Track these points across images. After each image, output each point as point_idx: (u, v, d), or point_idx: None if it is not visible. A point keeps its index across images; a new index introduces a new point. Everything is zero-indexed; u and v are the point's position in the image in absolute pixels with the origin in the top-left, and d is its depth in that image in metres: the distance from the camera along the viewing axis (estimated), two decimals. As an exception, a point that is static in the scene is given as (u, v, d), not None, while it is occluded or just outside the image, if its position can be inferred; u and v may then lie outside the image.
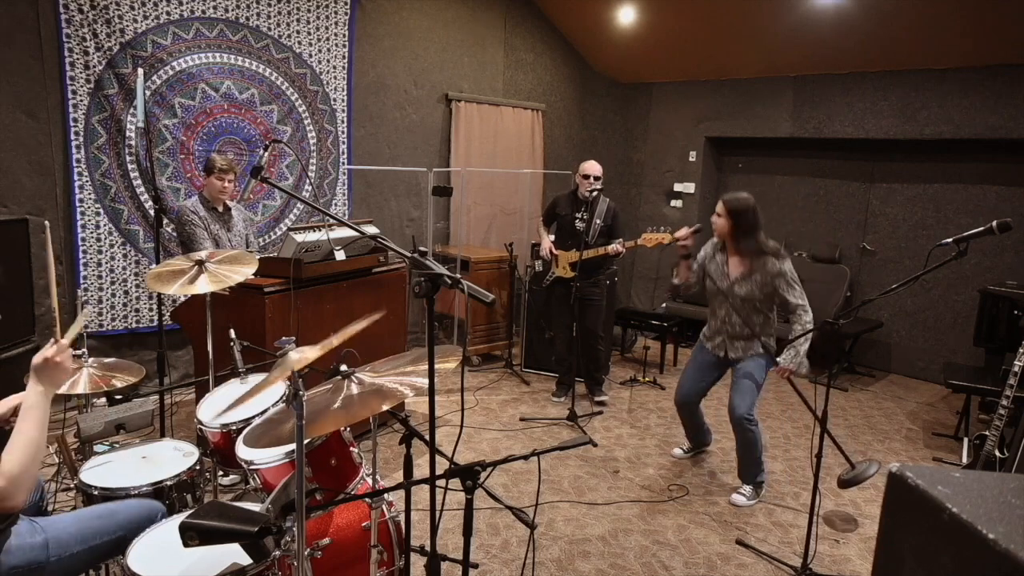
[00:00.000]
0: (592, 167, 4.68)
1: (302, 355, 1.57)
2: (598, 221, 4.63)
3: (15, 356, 3.55)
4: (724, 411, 4.03)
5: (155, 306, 4.42)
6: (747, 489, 3.71)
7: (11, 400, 1.94)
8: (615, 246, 4.49)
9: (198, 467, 2.41)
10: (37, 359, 1.74)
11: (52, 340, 1.80)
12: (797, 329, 3.41)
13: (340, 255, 3.71)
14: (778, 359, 3.41)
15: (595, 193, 4.60)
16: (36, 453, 1.68)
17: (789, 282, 3.42)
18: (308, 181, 5.29)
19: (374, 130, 5.66)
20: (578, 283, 4.50)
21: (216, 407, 2.69)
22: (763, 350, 3.50)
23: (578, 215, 4.71)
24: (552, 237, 4.90)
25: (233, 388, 2.81)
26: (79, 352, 2.62)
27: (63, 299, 4.26)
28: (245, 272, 2.80)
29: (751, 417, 3.55)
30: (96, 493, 2.18)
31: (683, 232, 3.60)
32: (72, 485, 2.31)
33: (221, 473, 3.17)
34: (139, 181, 4.42)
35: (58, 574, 1.88)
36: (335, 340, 1.65)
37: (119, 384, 2.61)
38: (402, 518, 2.27)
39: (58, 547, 1.87)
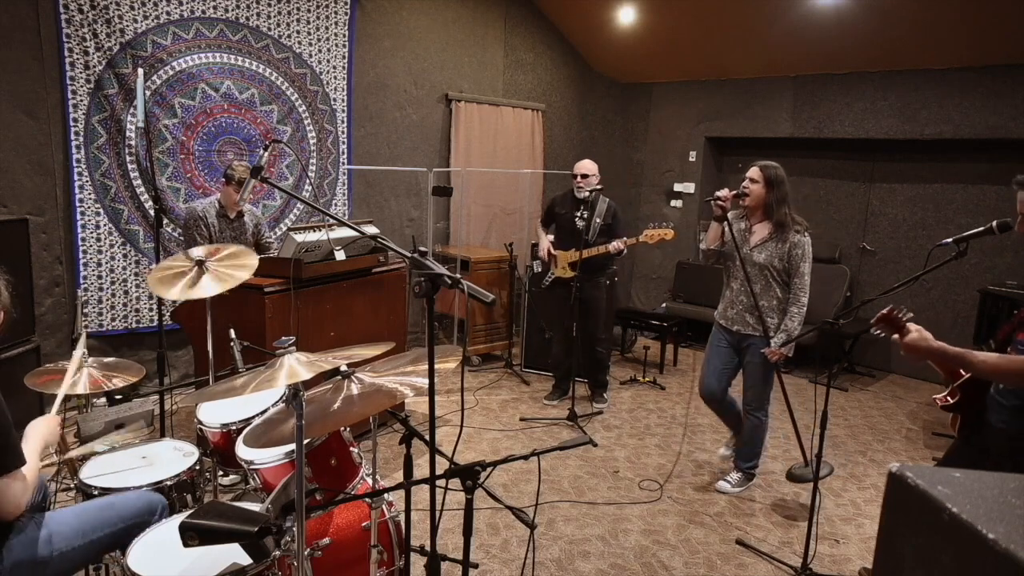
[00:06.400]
0: (585, 167, 4.64)
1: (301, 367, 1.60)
2: (598, 220, 4.59)
3: (15, 356, 3.55)
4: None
5: (155, 306, 4.42)
6: (734, 476, 3.79)
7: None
8: (616, 244, 4.46)
9: (198, 467, 2.41)
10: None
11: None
12: (792, 311, 3.41)
13: (340, 255, 3.71)
14: (771, 341, 3.41)
15: (593, 192, 4.58)
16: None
17: (803, 256, 3.37)
18: (308, 181, 5.29)
19: (374, 130, 5.66)
20: (578, 283, 4.49)
21: (216, 406, 2.69)
22: (769, 333, 3.44)
23: (577, 214, 4.67)
24: (551, 237, 4.89)
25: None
26: (80, 352, 2.63)
27: (63, 299, 4.26)
28: (246, 268, 2.79)
29: (761, 407, 3.60)
30: (96, 493, 2.18)
31: (724, 192, 3.43)
32: (72, 485, 2.31)
33: (221, 473, 3.17)
34: (139, 181, 4.42)
35: (61, 568, 1.90)
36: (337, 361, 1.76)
37: (119, 384, 2.61)
38: (402, 518, 2.27)
39: (61, 541, 1.89)
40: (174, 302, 4.10)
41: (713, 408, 3.89)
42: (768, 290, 3.47)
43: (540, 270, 5.00)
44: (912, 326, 2.26)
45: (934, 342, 2.17)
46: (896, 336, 2.29)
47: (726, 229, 3.48)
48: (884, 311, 2.32)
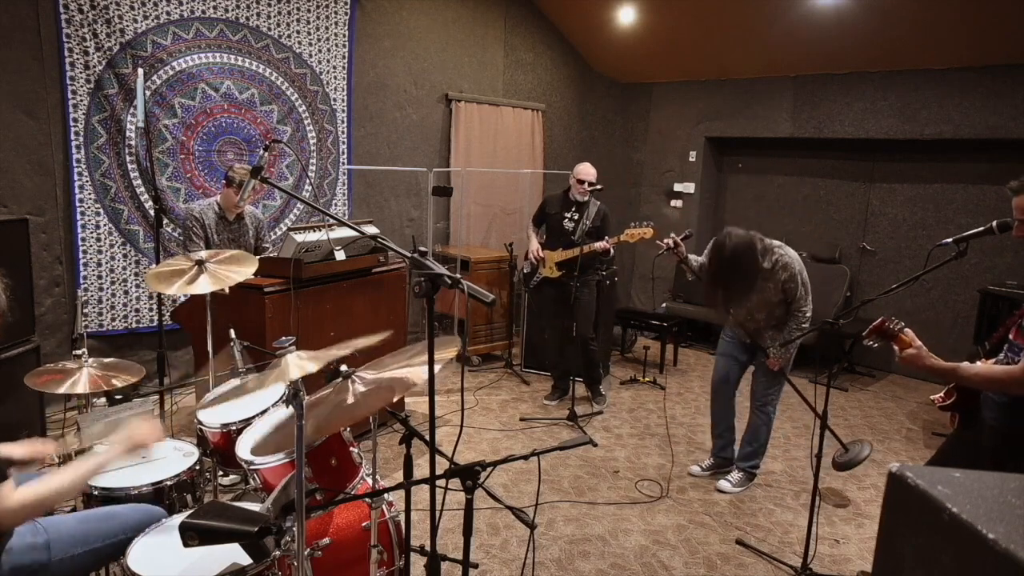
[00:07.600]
0: (588, 172, 4.66)
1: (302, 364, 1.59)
2: (587, 222, 4.63)
3: (15, 356, 3.55)
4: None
5: (155, 306, 4.42)
6: (735, 476, 3.79)
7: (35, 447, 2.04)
8: (602, 243, 4.52)
9: (198, 467, 2.41)
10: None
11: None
12: (792, 325, 3.46)
13: (340, 255, 3.71)
14: (769, 352, 3.45)
15: (588, 197, 4.62)
16: (48, 501, 1.76)
17: (796, 285, 3.40)
18: (308, 181, 5.29)
19: (374, 130, 5.66)
20: (578, 283, 4.51)
21: (216, 406, 2.69)
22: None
23: (567, 215, 4.72)
24: (541, 239, 4.92)
25: (232, 387, 2.80)
26: (80, 352, 2.63)
27: (63, 299, 4.26)
28: (245, 272, 2.80)
29: (769, 403, 3.62)
30: (96, 493, 2.18)
31: (668, 246, 3.49)
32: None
33: (221, 473, 3.17)
34: (139, 181, 4.42)
35: (60, 574, 1.89)
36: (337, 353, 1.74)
37: (119, 384, 2.61)
38: (402, 518, 2.27)
39: (60, 548, 1.88)
40: (174, 302, 4.11)
41: (717, 401, 3.84)
42: (773, 313, 3.52)
43: (529, 270, 5.02)
44: (913, 340, 2.31)
45: (927, 360, 2.28)
46: (896, 348, 2.35)
47: (688, 265, 3.58)
48: (876, 323, 2.37)
